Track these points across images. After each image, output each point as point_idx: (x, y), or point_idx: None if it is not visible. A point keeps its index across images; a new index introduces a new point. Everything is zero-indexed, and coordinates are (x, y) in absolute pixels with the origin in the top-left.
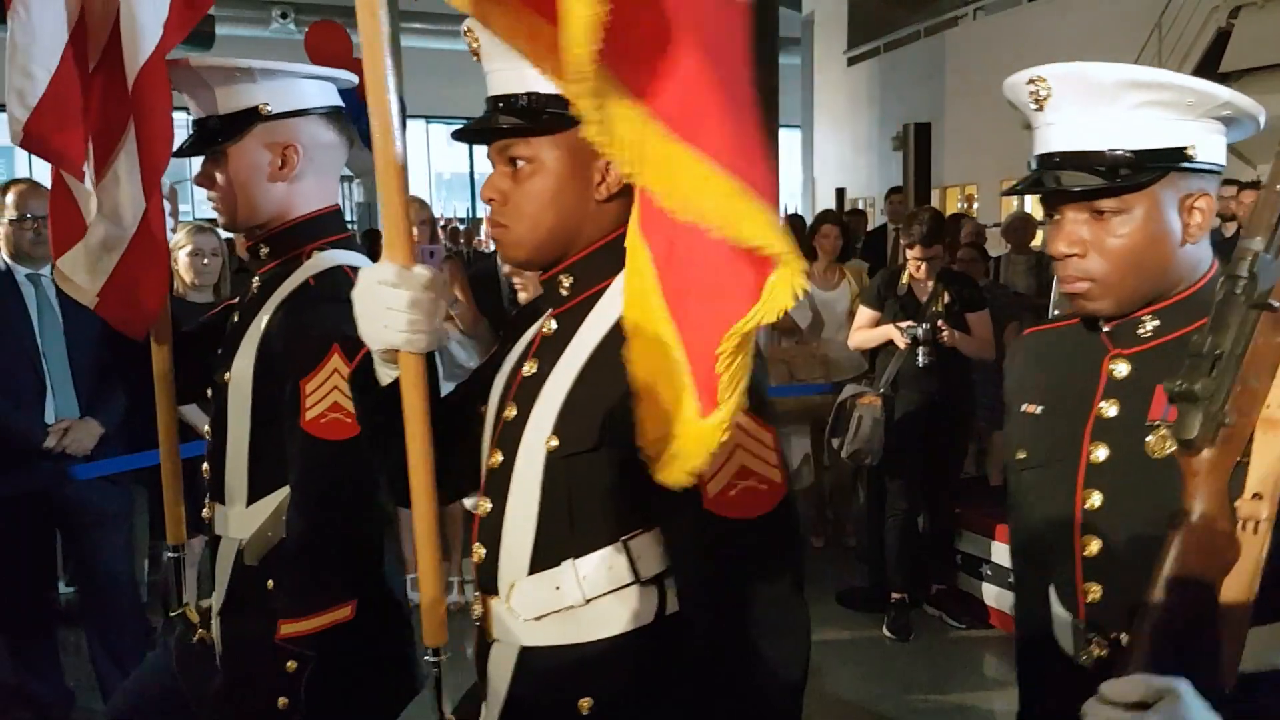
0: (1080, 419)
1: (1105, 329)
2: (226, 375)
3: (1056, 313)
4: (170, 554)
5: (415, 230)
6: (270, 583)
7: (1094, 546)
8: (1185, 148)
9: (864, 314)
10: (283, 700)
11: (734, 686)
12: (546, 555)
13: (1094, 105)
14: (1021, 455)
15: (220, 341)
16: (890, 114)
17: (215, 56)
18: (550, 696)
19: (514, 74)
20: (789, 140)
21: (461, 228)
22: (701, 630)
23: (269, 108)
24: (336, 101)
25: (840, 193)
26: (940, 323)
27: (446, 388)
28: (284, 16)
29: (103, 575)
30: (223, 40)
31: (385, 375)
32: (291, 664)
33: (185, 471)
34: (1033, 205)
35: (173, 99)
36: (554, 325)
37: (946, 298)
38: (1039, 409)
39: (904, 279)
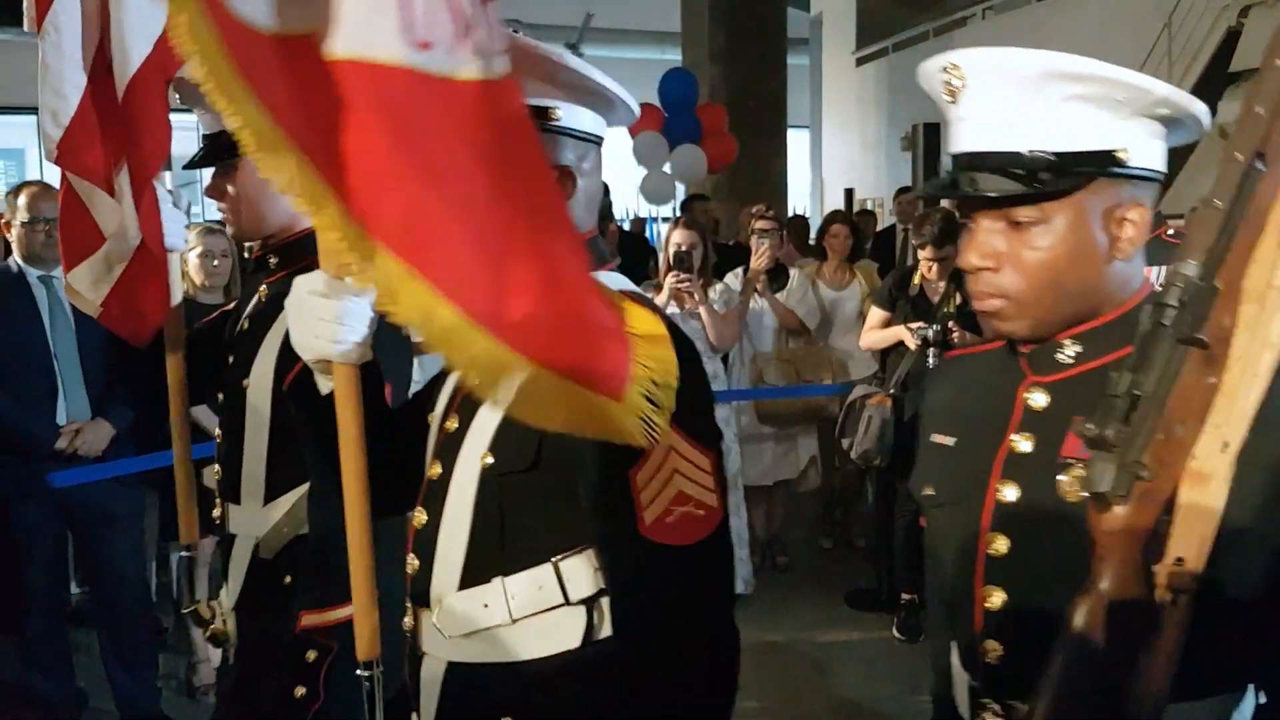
0: (990, 453)
1: (1023, 353)
2: (246, 381)
3: None
4: (184, 554)
5: None
6: (288, 578)
7: (996, 599)
8: (1116, 150)
9: (875, 314)
10: (300, 689)
11: (663, 711)
12: (477, 571)
13: (1014, 98)
14: (928, 491)
15: (219, 345)
16: (899, 114)
17: None
18: (474, 714)
19: None
20: (797, 141)
21: None
22: (632, 654)
23: None
24: None
25: (849, 193)
26: (951, 324)
27: None
28: None
29: (113, 576)
30: None
31: (324, 385)
32: (311, 654)
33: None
34: None
35: (168, 109)
36: None
37: (959, 299)
38: (951, 440)
39: (916, 279)
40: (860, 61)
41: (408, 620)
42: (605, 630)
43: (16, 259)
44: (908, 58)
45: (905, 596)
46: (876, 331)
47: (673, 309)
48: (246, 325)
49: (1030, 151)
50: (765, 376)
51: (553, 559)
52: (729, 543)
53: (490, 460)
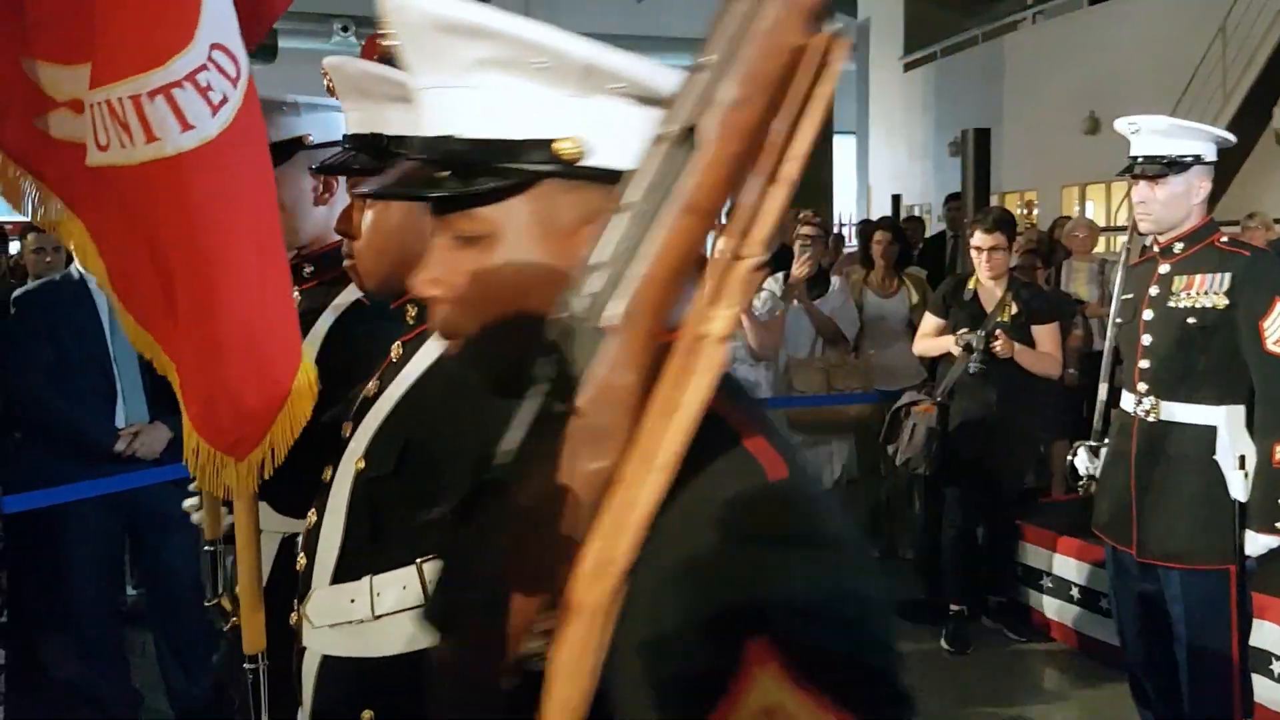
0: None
1: None
2: None
3: (1119, 321)
4: (207, 548)
5: None
6: None
7: None
8: (554, 140)
9: (929, 322)
10: (367, 715)
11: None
12: (350, 569)
13: (432, 64)
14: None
15: None
16: (947, 120)
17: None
18: (340, 705)
19: (364, 116)
20: (844, 147)
21: None
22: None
23: (311, 138)
24: None
25: (896, 199)
26: (997, 333)
27: None
28: (345, 29)
29: (169, 577)
30: (285, 53)
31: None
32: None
33: None
34: (1095, 211)
35: None
36: (400, 351)
37: (1014, 309)
38: None
39: (970, 285)
40: (908, 67)
41: (294, 615)
42: None
43: (77, 266)
44: (956, 63)
45: (954, 608)
46: (928, 339)
47: None
48: None
49: (456, 137)
50: (795, 383)
51: (417, 560)
52: None
53: (362, 465)
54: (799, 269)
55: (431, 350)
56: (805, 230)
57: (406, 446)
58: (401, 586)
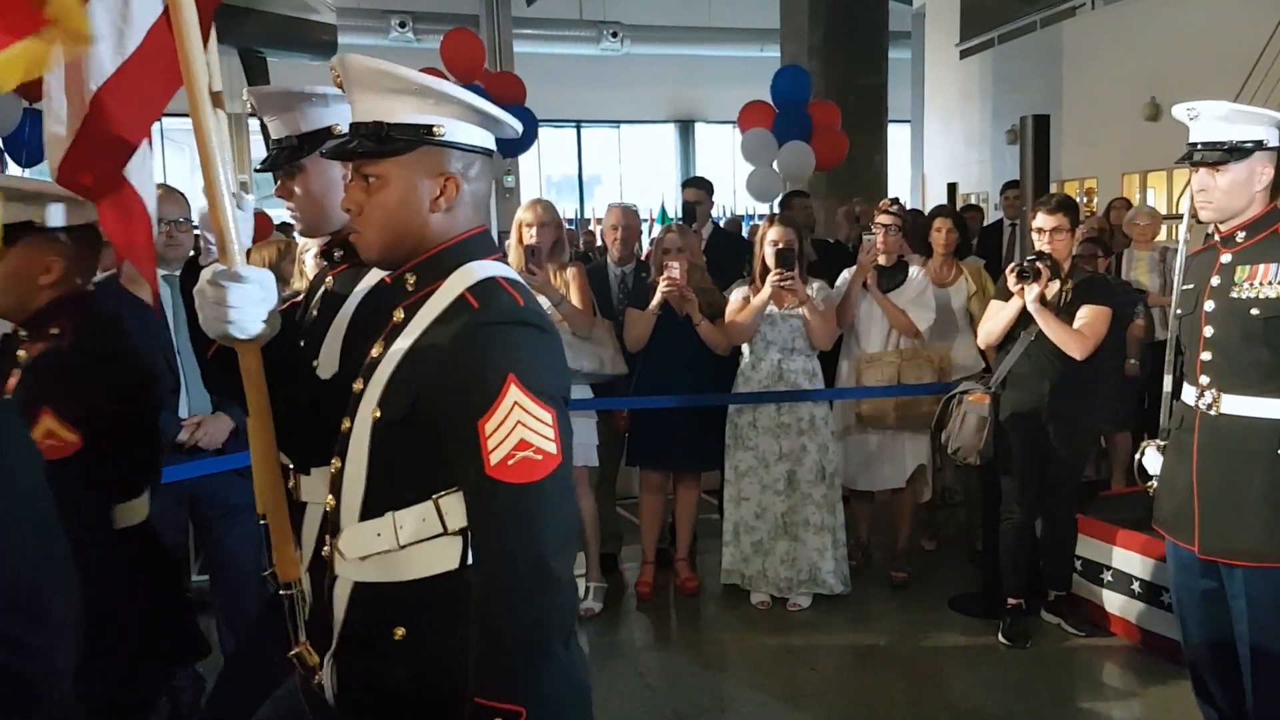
0: None
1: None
2: (315, 362)
3: (1179, 312)
4: (262, 521)
5: (535, 232)
6: None
7: None
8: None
9: (993, 308)
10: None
11: (501, 623)
12: (373, 506)
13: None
14: None
15: (290, 331)
16: (1004, 107)
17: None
18: (373, 624)
19: (369, 105)
20: (899, 135)
21: (569, 228)
22: (480, 573)
23: (340, 128)
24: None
25: (952, 188)
26: (1039, 265)
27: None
28: (402, 25)
29: (231, 565)
30: (344, 49)
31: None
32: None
33: None
34: (1155, 199)
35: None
36: (401, 315)
37: (1068, 296)
38: None
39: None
40: (965, 54)
41: (325, 549)
42: None
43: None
44: (1014, 49)
45: (1012, 602)
46: (992, 319)
47: (772, 307)
48: (315, 313)
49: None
50: (863, 378)
51: (434, 496)
52: (569, 484)
53: (379, 414)
54: (866, 258)
55: (430, 311)
56: (883, 219)
57: (417, 393)
58: (421, 519)
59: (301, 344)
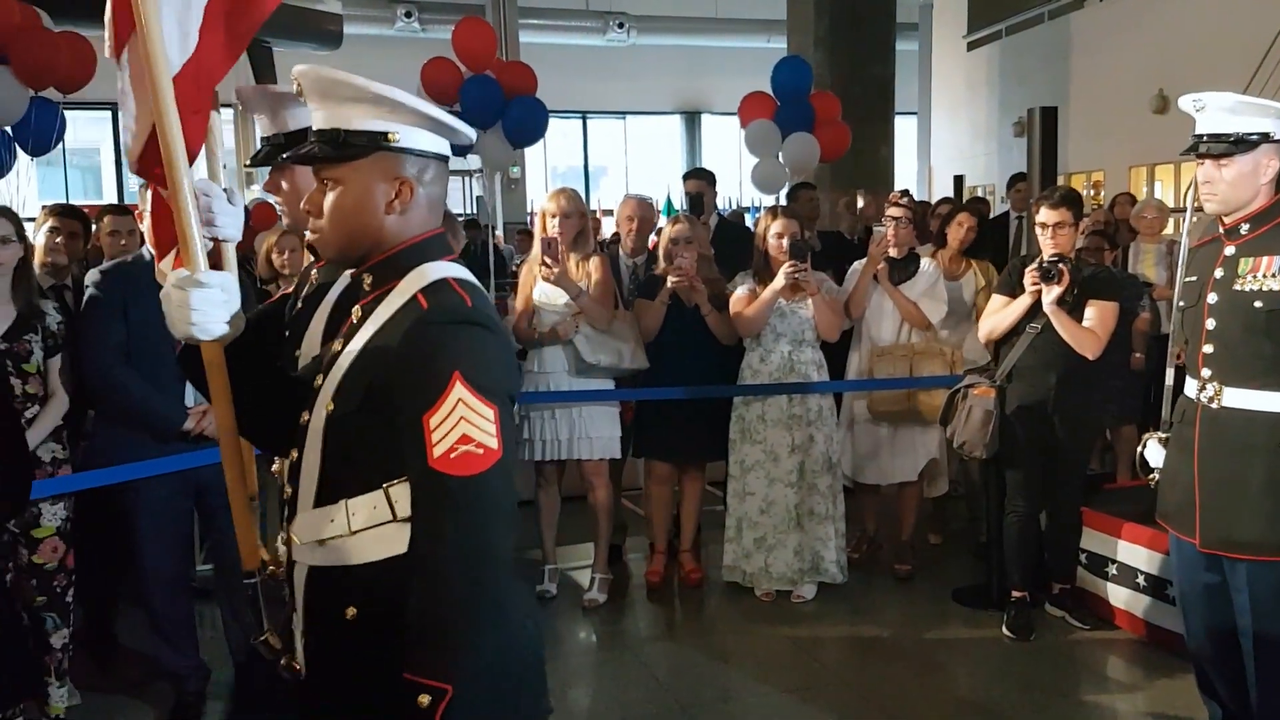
0: None
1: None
2: (298, 352)
3: (1182, 304)
4: (253, 501)
5: (557, 224)
6: None
7: None
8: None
9: (996, 302)
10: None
11: (431, 605)
12: (328, 494)
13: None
14: None
15: (280, 325)
16: (1011, 100)
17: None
18: (328, 606)
19: (328, 113)
20: (905, 127)
21: None
22: (418, 556)
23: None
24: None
25: (959, 180)
26: (1066, 263)
27: (578, 383)
28: (408, 15)
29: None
30: (350, 39)
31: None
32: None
33: None
34: (1163, 191)
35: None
36: (359, 313)
37: (1075, 290)
38: None
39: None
40: (971, 46)
41: (283, 536)
42: None
43: (150, 247)
44: (1021, 41)
45: (1016, 594)
46: (997, 313)
47: (781, 299)
48: (300, 306)
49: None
50: (875, 371)
51: (384, 485)
52: (509, 477)
53: (332, 407)
54: (876, 249)
55: (385, 311)
56: (894, 211)
57: (369, 389)
58: (372, 506)
59: (287, 334)
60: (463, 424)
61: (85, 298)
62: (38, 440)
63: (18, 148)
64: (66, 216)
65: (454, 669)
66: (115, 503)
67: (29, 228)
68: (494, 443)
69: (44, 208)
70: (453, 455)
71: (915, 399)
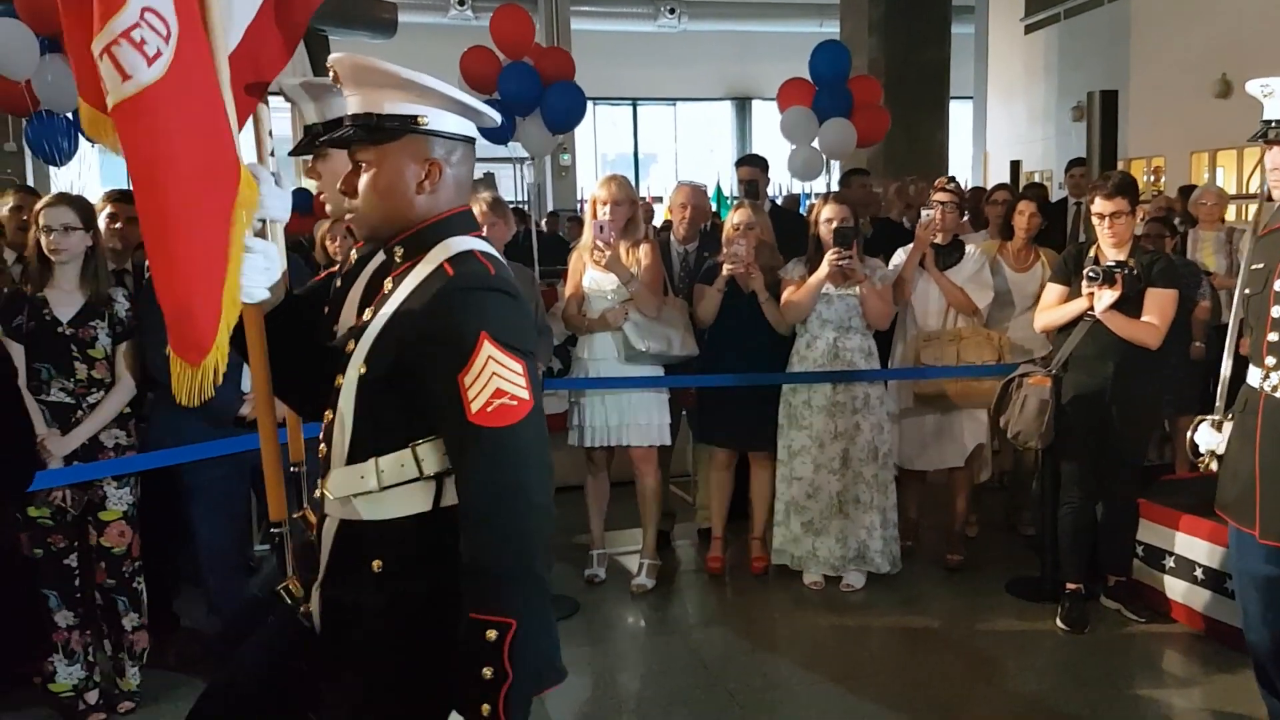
0: None
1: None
2: (336, 327)
3: (1247, 292)
4: (293, 468)
5: (608, 211)
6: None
7: None
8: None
9: (1052, 291)
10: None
11: (487, 549)
12: (358, 452)
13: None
14: None
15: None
16: (1069, 84)
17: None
18: (354, 558)
19: (362, 98)
20: (960, 112)
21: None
22: (468, 507)
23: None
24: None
25: (1015, 166)
26: (1127, 268)
27: (627, 370)
28: (461, 3)
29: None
30: (405, 28)
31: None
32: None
33: None
34: (1225, 178)
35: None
36: (390, 285)
37: (1135, 270)
38: None
39: (1093, 253)
40: (1029, 29)
41: (319, 491)
42: (449, 498)
43: None
44: (1081, 24)
45: (1070, 586)
46: (1052, 310)
47: (828, 285)
48: (339, 283)
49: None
50: (921, 357)
51: (412, 444)
52: (542, 426)
53: (364, 370)
54: (922, 234)
55: (413, 279)
56: (940, 197)
57: (399, 351)
58: (400, 464)
59: (326, 310)
60: (495, 379)
61: (145, 282)
62: (99, 425)
63: (79, 135)
64: (125, 202)
65: (514, 603)
66: (173, 484)
67: None
68: (525, 394)
69: (104, 194)
70: (489, 409)
71: (962, 380)
